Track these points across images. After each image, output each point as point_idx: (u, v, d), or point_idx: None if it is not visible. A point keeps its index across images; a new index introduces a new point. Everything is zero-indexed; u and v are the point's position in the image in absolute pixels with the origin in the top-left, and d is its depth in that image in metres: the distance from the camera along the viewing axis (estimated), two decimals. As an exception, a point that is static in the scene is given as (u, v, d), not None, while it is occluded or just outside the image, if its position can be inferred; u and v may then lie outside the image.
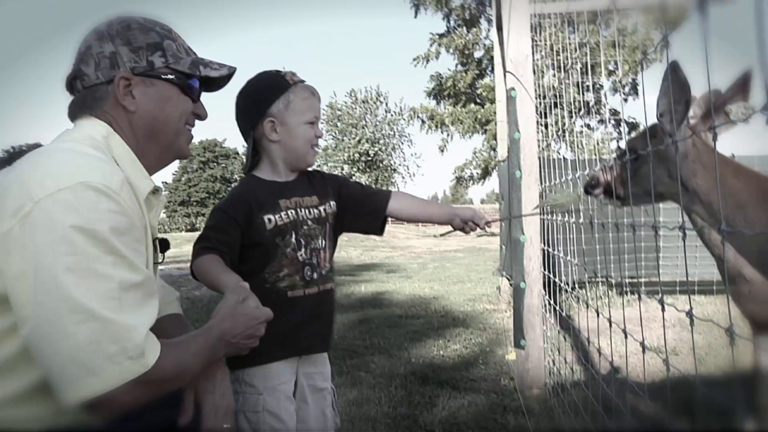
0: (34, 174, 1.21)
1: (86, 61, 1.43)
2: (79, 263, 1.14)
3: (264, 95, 1.87)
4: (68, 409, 1.17)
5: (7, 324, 1.19)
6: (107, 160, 1.33)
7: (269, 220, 1.82)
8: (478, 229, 2.02)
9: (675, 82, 1.77)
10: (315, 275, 1.89)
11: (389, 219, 2.09)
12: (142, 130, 1.46)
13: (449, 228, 2.05)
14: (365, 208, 2.03)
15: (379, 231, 2.07)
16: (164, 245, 1.58)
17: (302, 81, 1.91)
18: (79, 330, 1.12)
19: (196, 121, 1.62)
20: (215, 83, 1.63)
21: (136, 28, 1.46)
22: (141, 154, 1.46)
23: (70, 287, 1.12)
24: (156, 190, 1.47)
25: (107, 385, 1.14)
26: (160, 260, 1.56)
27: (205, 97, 1.63)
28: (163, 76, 1.47)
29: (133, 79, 1.43)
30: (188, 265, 1.77)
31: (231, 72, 1.61)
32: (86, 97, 1.44)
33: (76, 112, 1.46)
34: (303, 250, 1.87)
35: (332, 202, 1.98)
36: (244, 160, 1.99)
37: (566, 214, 3.03)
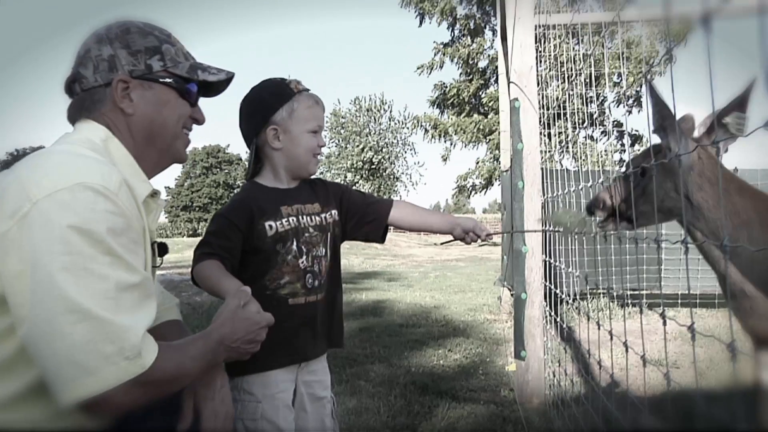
0: (32, 175, 1.22)
1: (85, 64, 1.44)
2: (75, 263, 1.14)
3: (268, 103, 1.87)
4: (65, 410, 1.17)
5: (5, 325, 1.19)
6: (105, 162, 1.34)
7: (270, 226, 1.82)
8: (479, 240, 2.02)
9: (654, 100, 1.80)
10: (316, 283, 1.89)
11: (390, 227, 2.09)
12: (140, 133, 1.47)
13: (450, 237, 2.05)
14: (367, 217, 2.04)
15: (381, 239, 2.08)
16: (162, 249, 1.58)
17: (307, 89, 1.92)
18: (75, 330, 1.12)
19: (200, 127, 1.63)
20: (214, 88, 1.64)
21: (135, 32, 1.46)
22: (139, 158, 1.47)
23: (67, 287, 1.12)
24: (154, 194, 1.47)
25: (104, 385, 1.14)
26: (158, 264, 1.57)
27: (210, 104, 1.64)
28: (161, 80, 1.48)
29: (131, 82, 1.44)
30: (189, 270, 1.77)
31: (229, 77, 1.61)
32: (84, 99, 1.45)
33: (74, 115, 1.47)
34: (304, 257, 1.87)
35: (334, 211, 1.99)
36: (247, 166, 1.99)
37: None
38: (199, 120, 1.61)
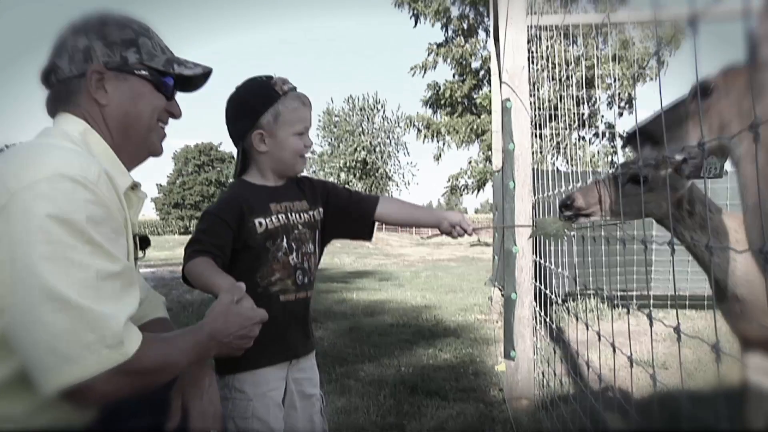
0: (10, 168, 1.21)
1: (60, 55, 1.43)
2: (55, 252, 1.14)
3: (252, 107, 1.85)
4: (48, 401, 1.17)
5: None
6: (84, 153, 1.34)
7: (260, 223, 1.82)
8: (465, 235, 2.02)
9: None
10: (306, 280, 1.89)
11: (382, 226, 2.10)
12: (115, 125, 1.46)
13: (436, 231, 2.05)
14: (353, 214, 2.04)
15: (368, 236, 2.09)
16: (144, 242, 1.58)
17: (293, 89, 1.89)
18: (55, 318, 1.12)
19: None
20: (191, 83, 1.63)
21: (113, 24, 1.46)
22: (116, 150, 1.46)
23: (47, 276, 1.12)
24: (135, 186, 1.47)
25: (85, 373, 1.13)
26: (140, 257, 1.57)
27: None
28: (136, 72, 1.47)
29: (105, 73, 1.43)
30: (180, 268, 1.77)
31: (206, 72, 1.61)
32: (60, 90, 1.44)
33: (52, 108, 1.47)
34: (294, 254, 1.87)
35: (321, 209, 1.99)
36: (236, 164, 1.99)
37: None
38: (176, 114, 1.60)
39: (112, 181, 1.34)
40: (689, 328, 5.34)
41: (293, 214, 1.90)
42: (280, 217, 1.86)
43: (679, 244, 2.03)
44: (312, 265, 1.93)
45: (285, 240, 1.86)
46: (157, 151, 1.58)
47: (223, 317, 1.44)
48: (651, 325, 1.40)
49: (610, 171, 2.22)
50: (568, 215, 2.14)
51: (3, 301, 1.14)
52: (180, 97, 1.61)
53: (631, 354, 1.60)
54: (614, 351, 1.75)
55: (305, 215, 1.93)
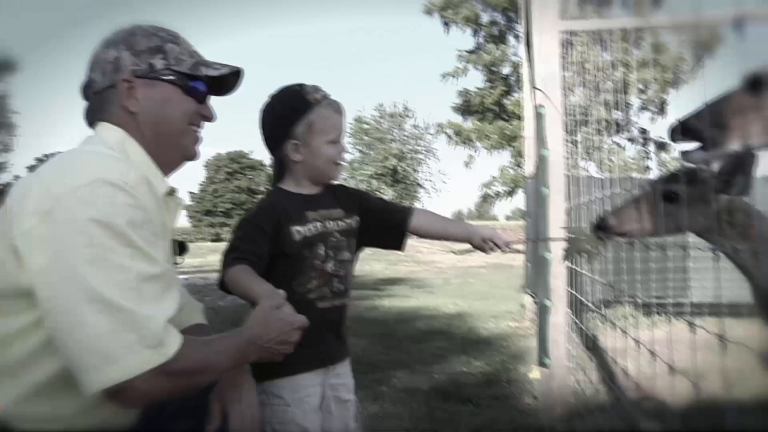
0: (53, 174, 1.27)
1: (94, 69, 1.49)
2: (97, 255, 1.18)
3: (286, 117, 1.87)
4: (92, 401, 1.20)
5: (33, 318, 1.23)
6: (123, 159, 1.38)
7: (297, 231, 1.84)
8: (498, 250, 2.00)
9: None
10: (342, 287, 1.90)
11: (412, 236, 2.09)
12: (148, 131, 1.49)
13: (468, 246, 2.03)
14: (387, 224, 2.04)
15: (400, 247, 2.08)
16: (182, 248, 1.61)
17: (326, 96, 1.90)
18: (97, 319, 1.15)
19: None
20: (224, 86, 1.65)
21: (140, 34, 1.50)
22: (153, 157, 1.49)
23: (89, 278, 1.16)
24: (172, 191, 1.50)
25: (126, 373, 1.17)
26: (178, 261, 1.60)
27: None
28: (163, 78, 1.50)
29: (134, 81, 1.46)
30: (213, 275, 1.79)
31: (233, 71, 1.62)
32: (95, 102, 1.49)
33: (90, 118, 1.51)
34: (331, 262, 1.88)
35: (356, 216, 2.00)
36: (271, 172, 2.01)
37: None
38: (209, 117, 1.62)
39: (151, 186, 1.38)
40: (728, 337, 5.22)
41: (330, 222, 1.91)
42: (317, 225, 1.88)
43: (720, 248, 1.98)
44: (348, 272, 1.94)
45: (323, 248, 1.87)
46: (192, 155, 1.61)
47: (264, 322, 1.47)
48: (694, 332, 1.37)
49: (643, 186, 2.16)
50: (604, 236, 2.07)
51: (48, 304, 1.19)
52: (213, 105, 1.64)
53: (673, 361, 1.58)
54: (654, 358, 1.73)
55: (341, 223, 1.94)
